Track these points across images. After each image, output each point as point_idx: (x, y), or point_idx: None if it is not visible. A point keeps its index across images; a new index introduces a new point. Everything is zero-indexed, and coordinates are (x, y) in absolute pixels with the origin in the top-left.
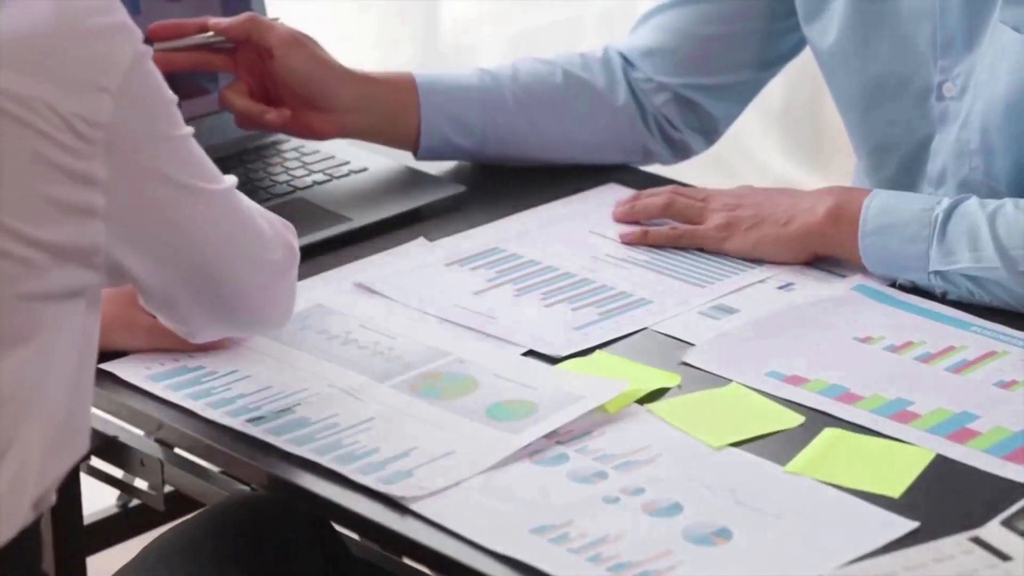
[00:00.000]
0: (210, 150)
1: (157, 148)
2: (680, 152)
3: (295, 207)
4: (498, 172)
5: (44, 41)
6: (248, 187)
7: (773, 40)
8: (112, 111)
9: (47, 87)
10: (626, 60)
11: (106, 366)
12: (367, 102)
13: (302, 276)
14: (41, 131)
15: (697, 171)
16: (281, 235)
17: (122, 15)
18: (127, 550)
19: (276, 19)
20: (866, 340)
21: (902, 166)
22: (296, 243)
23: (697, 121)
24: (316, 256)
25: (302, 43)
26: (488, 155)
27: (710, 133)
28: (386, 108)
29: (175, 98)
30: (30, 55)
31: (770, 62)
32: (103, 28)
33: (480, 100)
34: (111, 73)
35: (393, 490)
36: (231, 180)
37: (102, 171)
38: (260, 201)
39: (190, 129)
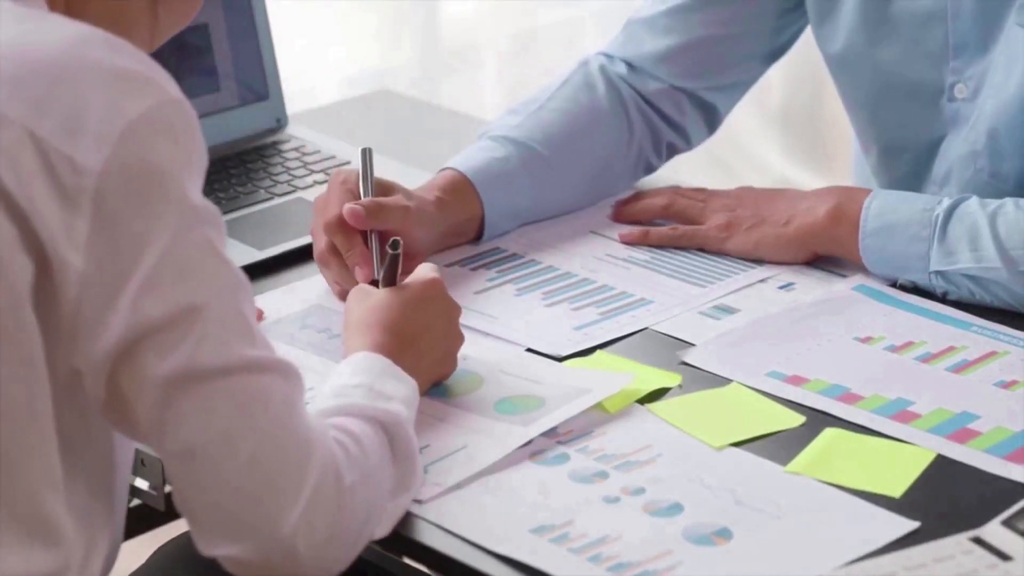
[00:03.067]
0: (210, 150)
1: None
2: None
3: (295, 207)
4: None
5: (48, 66)
6: (248, 187)
7: (779, 34)
8: (105, 161)
9: (31, 115)
10: (635, 83)
11: None
12: (440, 232)
13: (302, 276)
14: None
15: (697, 171)
16: (328, 453)
17: (148, 69)
18: (127, 550)
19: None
20: (866, 340)
21: (913, 166)
22: (353, 472)
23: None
24: None
25: (412, 214)
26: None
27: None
28: (454, 227)
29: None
30: (32, 79)
31: (776, 55)
32: (120, 69)
33: (531, 188)
34: (113, 120)
35: None
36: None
37: (83, 225)
38: (260, 201)
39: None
